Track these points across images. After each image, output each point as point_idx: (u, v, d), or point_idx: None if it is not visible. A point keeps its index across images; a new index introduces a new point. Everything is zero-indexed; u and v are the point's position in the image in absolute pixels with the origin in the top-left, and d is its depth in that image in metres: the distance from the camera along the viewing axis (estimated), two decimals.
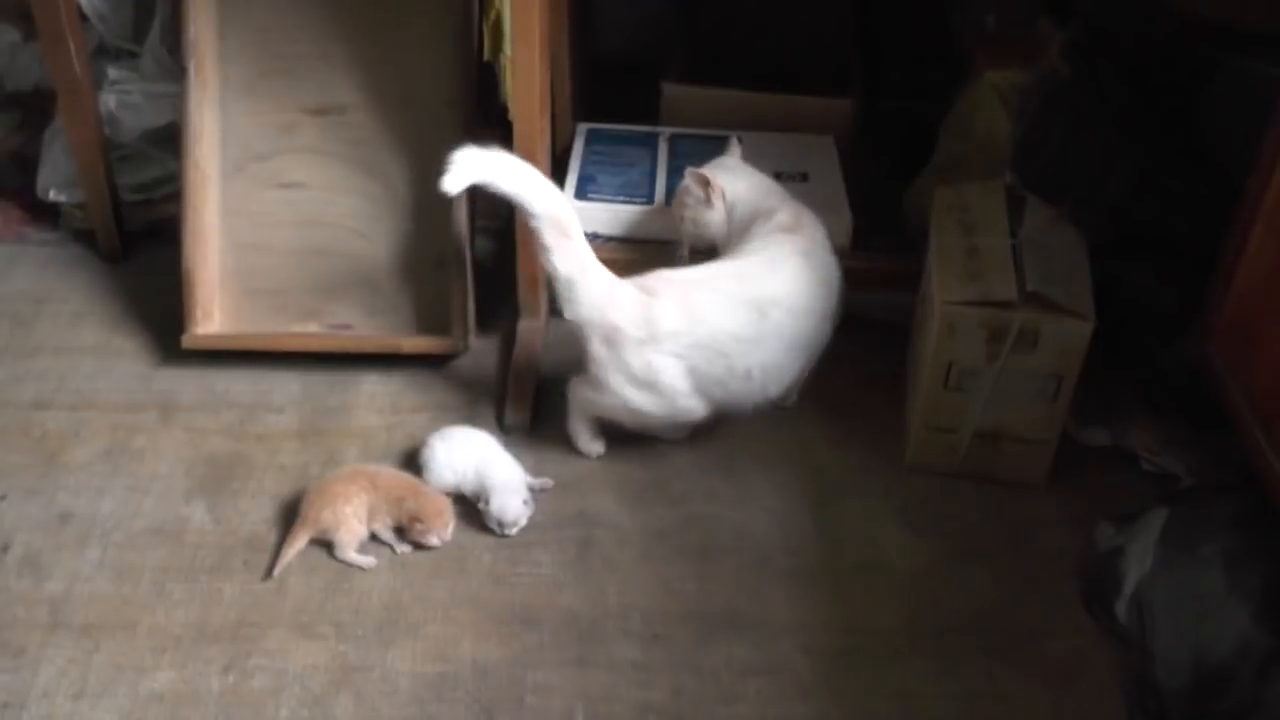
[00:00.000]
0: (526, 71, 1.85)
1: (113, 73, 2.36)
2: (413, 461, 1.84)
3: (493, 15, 2.04)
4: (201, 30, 2.06)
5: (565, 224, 1.75)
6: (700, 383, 1.79)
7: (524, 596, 1.67)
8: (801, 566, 1.73)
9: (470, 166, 1.71)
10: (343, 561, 1.70)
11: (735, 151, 2.06)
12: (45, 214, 2.40)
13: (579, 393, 1.85)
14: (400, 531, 1.73)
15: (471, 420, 1.92)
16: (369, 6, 2.07)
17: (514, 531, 1.74)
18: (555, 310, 1.90)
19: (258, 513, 1.78)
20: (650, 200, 2.11)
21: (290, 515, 1.74)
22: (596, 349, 1.77)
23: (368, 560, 1.70)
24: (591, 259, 1.78)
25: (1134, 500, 1.73)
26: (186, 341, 2.03)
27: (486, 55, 2.08)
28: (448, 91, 2.05)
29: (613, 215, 2.09)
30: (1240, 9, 1.89)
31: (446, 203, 2.02)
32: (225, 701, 1.51)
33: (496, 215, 2.29)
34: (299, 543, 1.71)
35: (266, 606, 1.64)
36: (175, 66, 2.21)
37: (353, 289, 2.07)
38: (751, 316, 1.78)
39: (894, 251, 2.13)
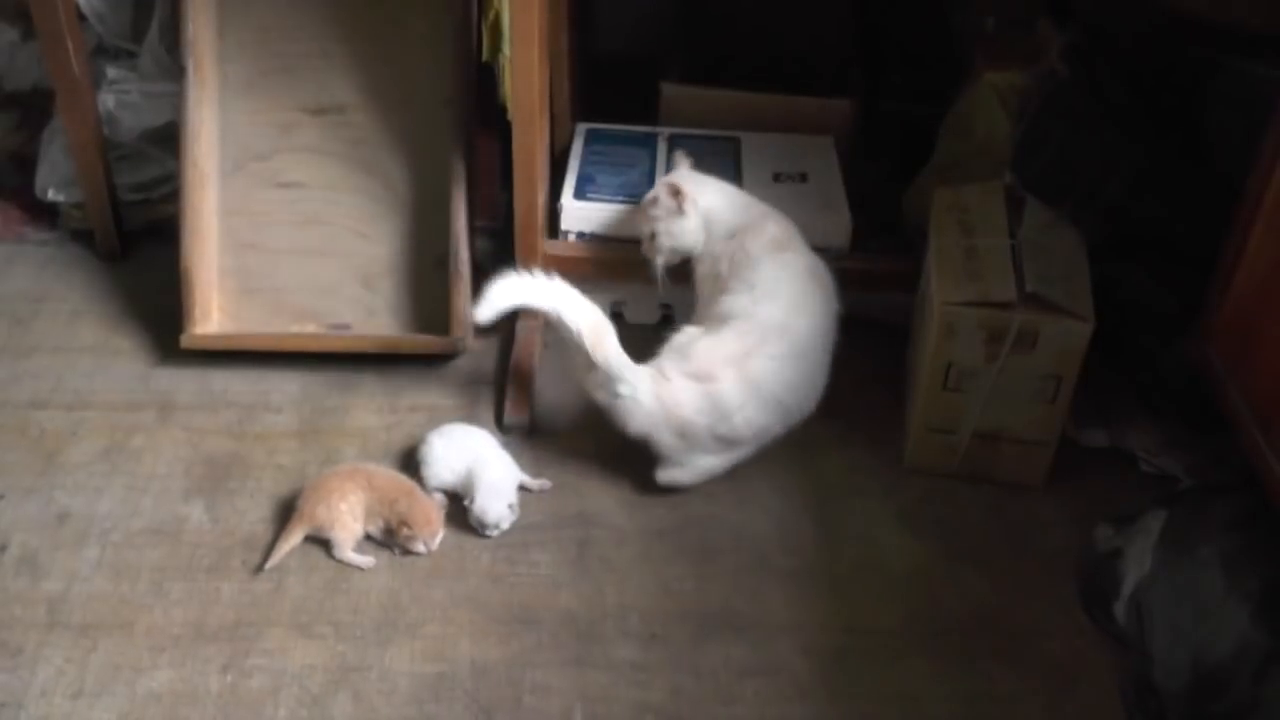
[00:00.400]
0: (525, 71, 1.84)
1: (111, 72, 2.36)
2: (411, 461, 1.84)
3: (491, 15, 2.04)
4: (200, 29, 2.06)
5: (605, 333, 1.77)
6: (769, 419, 1.80)
7: (522, 596, 1.67)
8: (800, 567, 1.73)
9: (503, 295, 1.77)
10: (341, 561, 1.70)
11: (685, 164, 2.04)
12: (44, 213, 2.40)
13: (671, 474, 1.82)
14: (389, 534, 1.72)
15: (470, 421, 1.91)
16: (368, 6, 2.07)
17: (494, 533, 1.74)
18: None
19: (256, 512, 1.78)
20: None
21: (288, 515, 1.74)
22: (670, 442, 1.78)
23: (366, 560, 1.70)
24: (630, 364, 1.77)
25: (1133, 502, 1.73)
26: (185, 341, 2.03)
27: (485, 55, 2.08)
28: (447, 91, 2.05)
29: (612, 215, 2.09)
30: (1240, 10, 1.89)
31: (445, 203, 2.03)
32: (223, 701, 1.51)
33: (496, 215, 2.30)
34: (294, 538, 1.70)
35: (265, 606, 1.64)
36: (174, 66, 2.20)
37: (351, 289, 2.07)
38: (800, 364, 1.81)
39: (893, 252, 2.13)
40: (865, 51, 2.52)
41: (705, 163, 2.19)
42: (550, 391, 2.00)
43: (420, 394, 2.01)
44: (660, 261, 1.94)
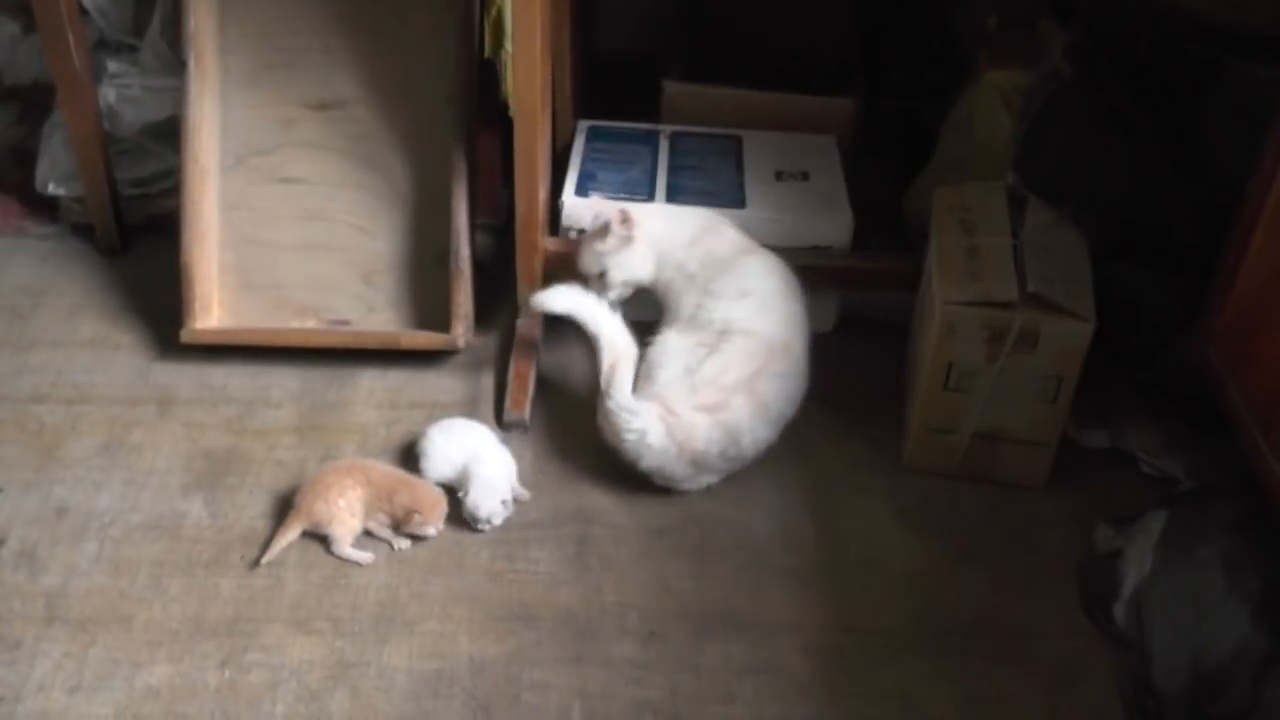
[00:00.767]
0: (527, 68, 1.84)
1: (112, 66, 2.36)
2: (411, 457, 1.84)
3: (494, 11, 2.04)
4: (201, 24, 2.06)
5: (623, 367, 1.80)
6: (773, 433, 1.85)
7: (521, 594, 1.67)
8: (800, 566, 1.72)
9: (562, 300, 1.84)
10: (339, 557, 1.70)
11: (600, 200, 2.03)
12: (44, 207, 2.40)
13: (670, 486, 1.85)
14: (396, 526, 1.72)
15: (470, 418, 1.91)
16: (370, 1, 2.07)
17: (486, 528, 1.74)
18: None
19: (255, 508, 1.78)
20: (651, 198, 2.10)
21: (287, 510, 1.73)
22: (681, 472, 1.80)
23: (365, 556, 1.70)
24: (637, 406, 1.78)
25: (1133, 502, 1.73)
26: (185, 336, 2.02)
27: (488, 51, 2.08)
28: (449, 87, 2.05)
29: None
30: (1242, 11, 1.89)
31: (446, 199, 2.02)
32: (221, 697, 1.51)
33: (497, 212, 2.29)
34: (291, 533, 1.70)
35: (263, 602, 1.64)
36: (175, 60, 2.21)
37: (352, 285, 2.07)
38: (799, 375, 1.86)
39: (894, 252, 2.12)
40: (867, 50, 2.51)
41: (707, 161, 2.20)
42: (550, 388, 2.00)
43: (420, 390, 2.01)
44: (613, 298, 1.92)
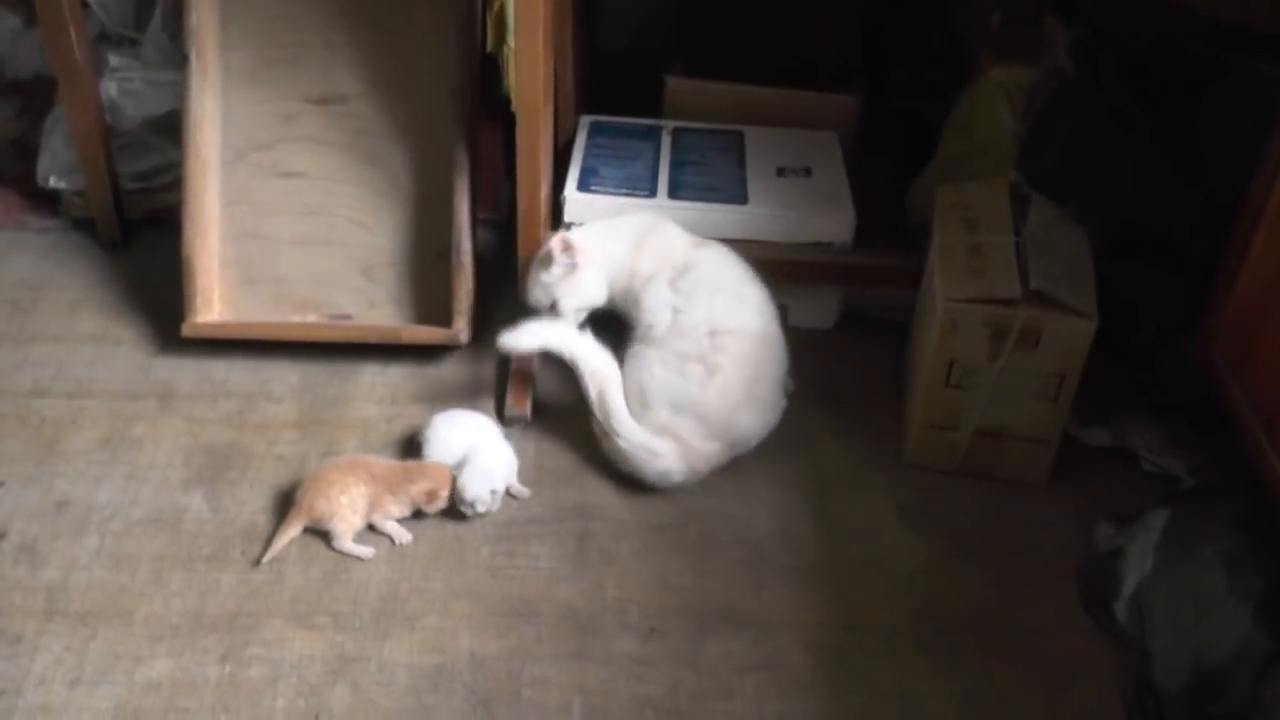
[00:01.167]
0: (530, 63, 1.84)
1: (114, 60, 2.36)
2: (412, 451, 1.84)
3: (496, 6, 2.03)
4: (203, 18, 2.05)
5: (615, 401, 1.82)
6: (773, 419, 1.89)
7: (522, 589, 1.67)
8: (800, 563, 1.72)
9: (529, 336, 1.84)
10: (340, 552, 1.70)
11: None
12: (45, 201, 2.40)
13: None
14: (418, 512, 1.73)
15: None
16: None
17: (470, 513, 1.73)
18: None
19: (256, 502, 1.78)
20: (653, 194, 2.10)
21: (288, 505, 1.73)
22: (693, 478, 1.83)
23: (366, 550, 1.70)
24: (655, 444, 1.80)
25: (1134, 501, 1.73)
26: (186, 330, 2.02)
27: (490, 46, 2.07)
28: (450, 82, 2.05)
29: (615, 208, 2.08)
30: (1246, 9, 1.88)
31: (448, 194, 2.02)
32: (222, 691, 1.51)
33: (499, 207, 2.29)
34: (292, 530, 1.70)
35: (264, 596, 1.64)
36: (176, 54, 2.20)
37: (353, 279, 2.07)
38: (780, 354, 1.88)
39: (896, 249, 2.12)
40: (869, 48, 2.51)
41: (709, 157, 2.20)
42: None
43: (421, 386, 2.01)
44: (571, 320, 1.93)
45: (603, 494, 1.82)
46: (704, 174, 2.16)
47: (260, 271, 2.07)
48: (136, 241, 2.33)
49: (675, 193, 2.11)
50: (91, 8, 2.32)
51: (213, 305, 2.05)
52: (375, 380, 2.01)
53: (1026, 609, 1.67)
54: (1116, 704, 1.54)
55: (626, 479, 1.83)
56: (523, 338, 1.84)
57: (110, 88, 2.32)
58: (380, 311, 2.07)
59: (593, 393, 1.82)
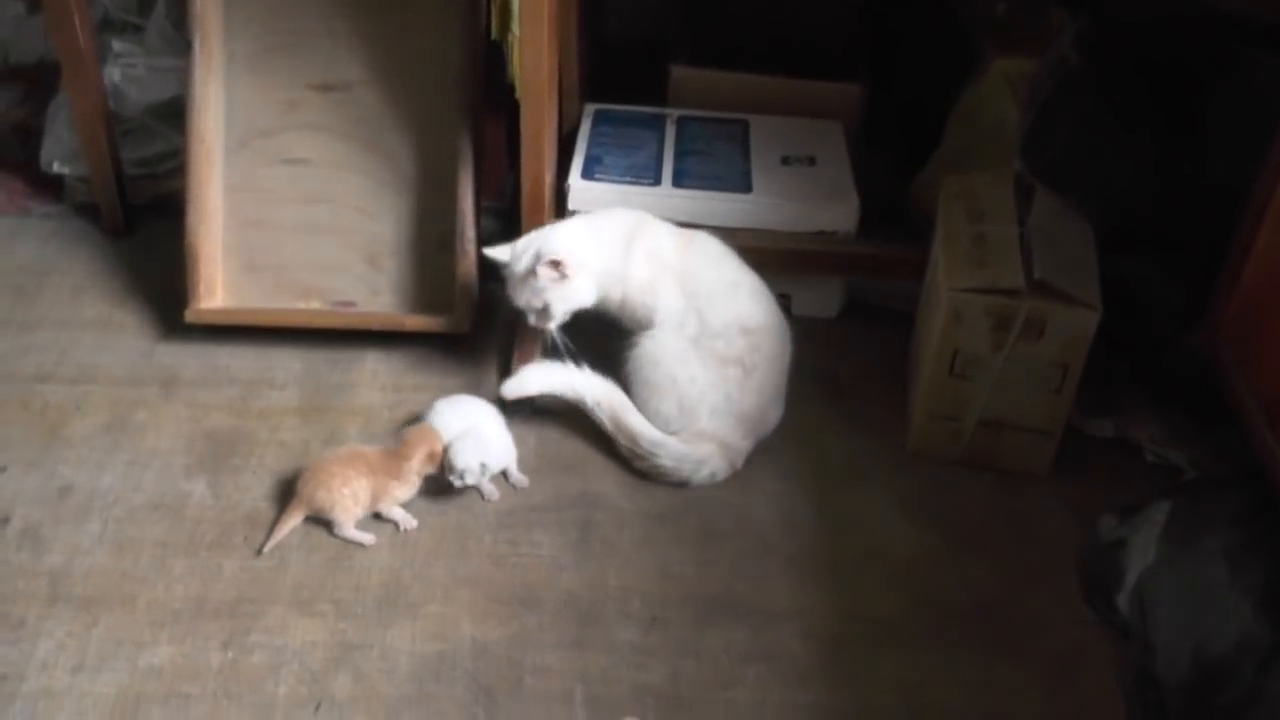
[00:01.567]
0: (534, 51, 1.83)
1: (117, 46, 2.36)
2: None
3: None
4: (206, 4, 2.05)
5: (633, 423, 1.83)
6: None
7: (524, 577, 1.67)
8: (802, 552, 1.72)
9: (534, 381, 1.87)
10: (342, 539, 1.70)
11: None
12: (48, 187, 2.40)
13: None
14: (445, 488, 1.74)
15: None
16: None
17: (458, 483, 1.72)
18: None
19: (258, 489, 1.78)
20: (657, 182, 2.10)
21: (290, 492, 1.73)
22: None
23: (367, 537, 1.70)
24: (692, 453, 1.81)
25: (1138, 492, 1.73)
26: (189, 316, 2.02)
27: (494, 34, 2.07)
28: (454, 70, 2.04)
29: (619, 196, 2.08)
30: (1253, 1, 1.88)
31: (451, 182, 2.02)
32: (224, 677, 1.51)
33: (502, 195, 2.29)
34: (293, 520, 1.70)
35: (266, 583, 1.64)
36: (180, 40, 2.20)
37: (356, 267, 2.07)
38: (785, 336, 1.90)
39: (900, 239, 2.12)
40: (874, 37, 2.50)
41: (713, 145, 2.20)
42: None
43: (423, 373, 2.00)
44: (553, 326, 1.87)
45: (605, 483, 1.82)
46: (708, 163, 2.16)
47: (263, 258, 2.07)
48: (140, 227, 2.33)
49: (679, 181, 2.10)
50: None
51: (216, 291, 2.05)
52: (378, 367, 2.02)
53: (1028, 600, 1.67)
54: (1117, 695, 1.54)
55: (629, 468, 1.83)
56: (526, 384, 1.86)
57: (114, 74, 2.32)
58: (383, 299, 2.07)
59: (608, 424, 1.84)
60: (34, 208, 2.38)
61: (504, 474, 1.81)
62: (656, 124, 2.27)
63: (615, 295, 1.88)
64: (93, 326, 2.08)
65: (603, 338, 1.91)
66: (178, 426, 1.89)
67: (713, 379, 1.82)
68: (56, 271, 2.22)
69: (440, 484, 1.75)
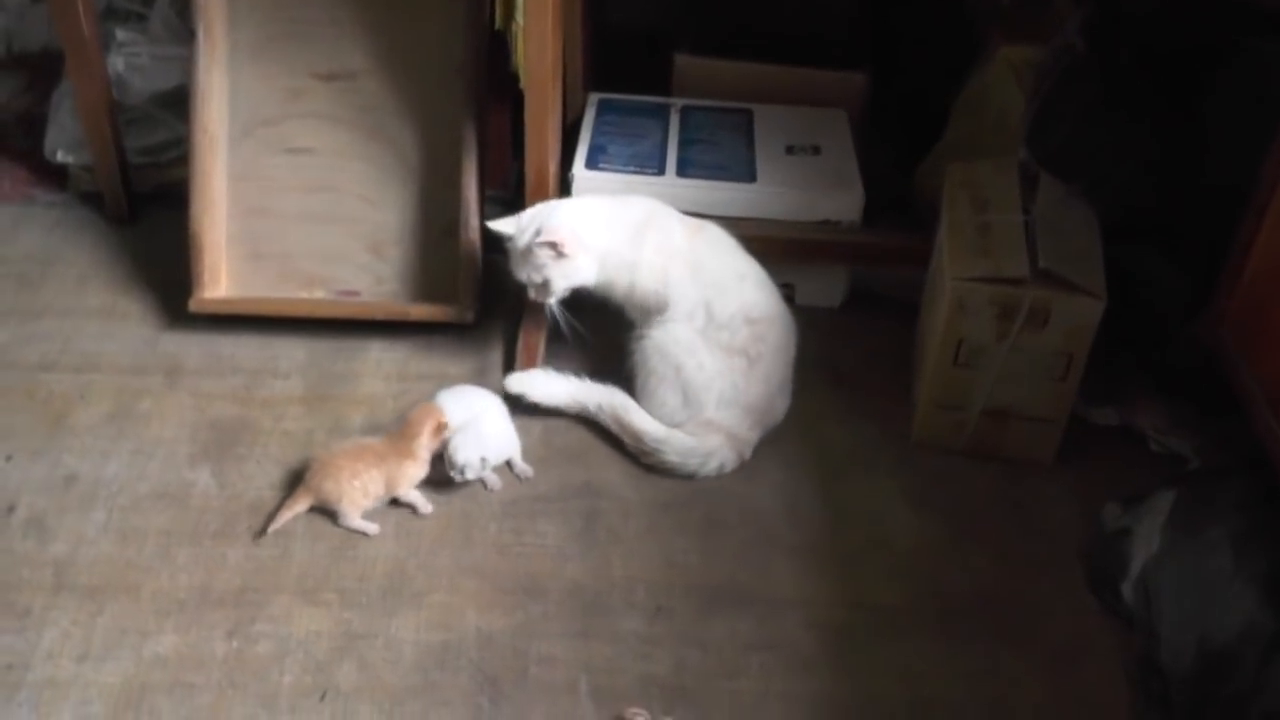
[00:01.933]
0: (538, 40, 1.83)
1: (121, 35, 2.35)
2: None
3: None
4: None
5: (637, 422, 1.83)
6: None
7: (529, 567, 1.67)
8: (806, 542, 1.72)
9: (539, 388, 1.88)
10: (347, 528, 1.70)
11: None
12: (53, 175, 2.40)
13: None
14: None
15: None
16: None
17: (460, 479, 1.73)
18: None
19: (263, 478, 1.78)
20: (661, 171, 2.09)
21: (295, 481, 1.74)
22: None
23: (372, 527, 1.70)
24: (701, 447, 1.81)
25: (1142, 481, 1.73)
26: (193, 305, 2.02)
27: (498, 23, 2.07)
28: (458, 59, 2.04)
29: (623, 186, 2.07)
30: None
31: (456, 171, 2.02)
32: (229, 666, 1.52)
33: (506, 185, 2.29)
34: (297, 507, 1.71)
35: (271, 572, 1.64)
36: (184, 29, 2.20)
37: (360, 256, 2.07)
38: (790, 327, 1.90)
39: (904, 228, 2.12)
40: (878, 25, 2.50)
41: (718, 135, 2.19)
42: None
43: (428, 362, 2.01)
44: (553, 302, 1.87)
45: (610, 472, 1.82)
46: (712, 152, 2.15)
47: (267, 247, 2.07)
48: (144, 216, 2.32)
49: (683, 170, 2.10)
50: None
51: (220, 280, 2.05)
52: (382, 357, 2.02)
53: (1032, 589, 1.67)
54: (1121, 684, 1.54)
55: (633, 458, 1.83)
56: (531, 389, 1.88)
57: (117, 62, 2.32)
58: (387, 288, 2.07)
59: (612, 425, 1.85)
60: (38, 196, 2.38)
61: (509, 464, 1.81)
62: (660, 113, 2.26)
63: (623, 281, 1.87)
64: (97, 315, 2.09)
65: (602, 322, 1.92)
66: (182, 415, 1.89)
67: (719, 367, 1.82)
68: (61, 260, 2.22)
69: (445, 474, 1.75)
